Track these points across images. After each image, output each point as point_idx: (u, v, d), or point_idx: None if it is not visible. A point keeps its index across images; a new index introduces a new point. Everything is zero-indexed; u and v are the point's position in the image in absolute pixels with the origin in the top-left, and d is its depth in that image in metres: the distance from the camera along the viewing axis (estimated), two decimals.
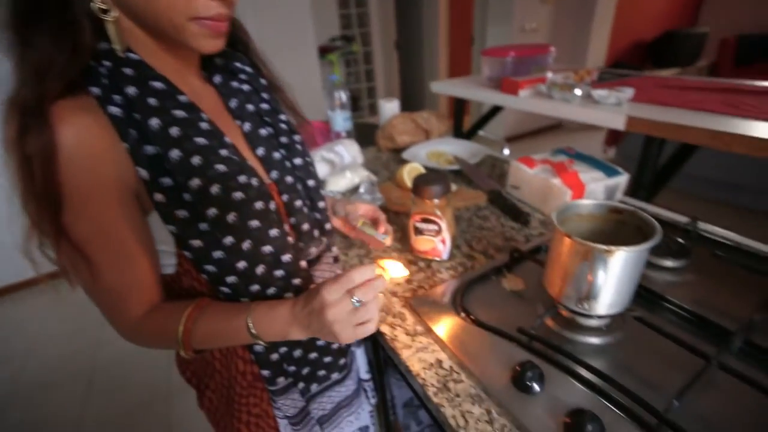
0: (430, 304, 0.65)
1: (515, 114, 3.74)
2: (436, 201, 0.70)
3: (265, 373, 0.55)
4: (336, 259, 0.63)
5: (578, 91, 1.06)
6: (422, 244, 0.75)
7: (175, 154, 0.41)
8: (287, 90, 0.60)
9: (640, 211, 0.54)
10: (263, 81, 0.57)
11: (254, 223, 0.45)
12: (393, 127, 1.31)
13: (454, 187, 1.03)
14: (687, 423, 0.42)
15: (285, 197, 0.51)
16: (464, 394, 0.51)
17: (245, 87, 0.54)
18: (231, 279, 0.47)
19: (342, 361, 0.62)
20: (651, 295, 0.61)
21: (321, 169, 1.14)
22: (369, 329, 0.43)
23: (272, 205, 0.47)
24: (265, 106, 0.54)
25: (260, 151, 0.50)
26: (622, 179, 0.88)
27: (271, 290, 0.49)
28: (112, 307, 0.47)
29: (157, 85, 0.42)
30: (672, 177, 1.04)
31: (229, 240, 0.44)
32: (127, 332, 0.49)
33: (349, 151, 1.14)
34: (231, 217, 0.44)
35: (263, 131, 0.52)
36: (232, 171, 0.44)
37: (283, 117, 0.56)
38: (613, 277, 0.49)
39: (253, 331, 0.45)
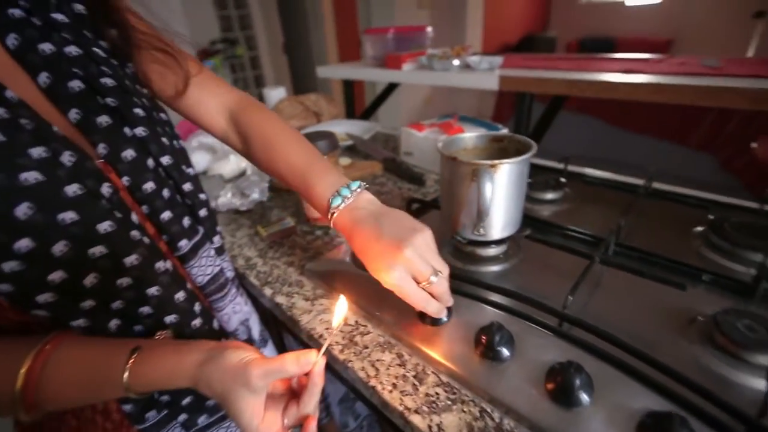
0: (329, 266, 0.59)
1: (410, 108, 3.90)
2: None
3: (128, 408, 0.40)
4: (222, 249, 0.50)
5: (456, 62, 1.11)
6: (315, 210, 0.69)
7: None
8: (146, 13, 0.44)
9: (516, 135, 0.55)
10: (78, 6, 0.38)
11: (68, 216, 0.31)
12: (280, 112, 1.23)
13: (348, 160, 0.99)
14: (584, 317, 0.43)
15: (127, 179, 0.37)
16: (372, 344, 0.47)
17: (36, 20, 0.35)
18: (44, 297, 0.32)
19: None
20: (538, 222, 0.64)
21: (201, 158, 1.01)
22: None
23: (105, 189, 0.34)
24: (72, 50, 0.36)
25: (74, 114, 0.35)
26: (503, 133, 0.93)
27: (117, 304, 0.36)
28: None
29: None
30: (543, 134, 1.15)
31: (25, 244, 0.30)
32: None
33: None
34: (23, 209, 0.29)
35: (74, 85, 0.35)
36: (20, 141, 0.30)
37: (107, 69, 0.38)
38: (500, 194, 0.49)
39: (127, 384, 0.34)
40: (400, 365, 0.44)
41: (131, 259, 0.35)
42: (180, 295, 0.40)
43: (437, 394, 0.40)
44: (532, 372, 0.39)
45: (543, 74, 0.94)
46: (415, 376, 0.42)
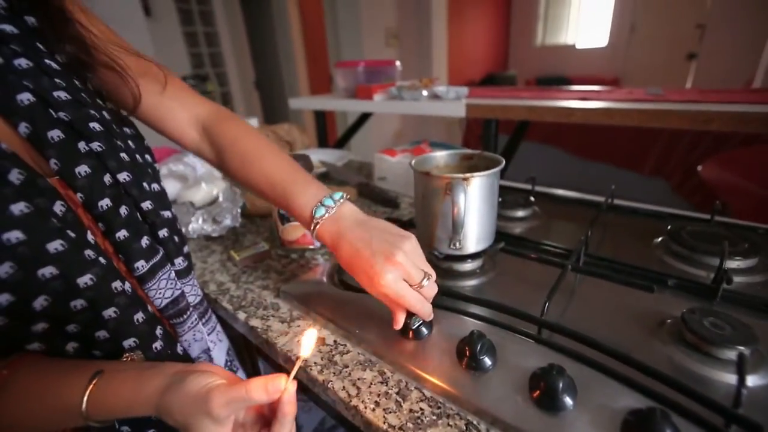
0: (306, 287, 0.58)
1: (380, 142, 4.00)
2: None
3: None
4: (186, 272, 0.47)
5: (425, 92, 1.16)
6: (291, 233, 0.69)
7: None
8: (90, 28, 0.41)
9: (485, 152, 0.58)
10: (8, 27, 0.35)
11: (13, 235, 0.29)
12: None
13: None
14: (561, 324, 0.44)
15: (81, 195, 0.36)
16: (353, 363, 0.45)
17: None
18: None
19: None
20: (511, 238, 0.66)
21: (170, 186, 0.99)
22: None
23: (57, 208, 0.33)
24: (22, 62, 0.34)
25: (23, 128, 0.33)
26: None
27: (72, 327, 0.34)
28: None
29: None
30: (510, 160, 1.21)
31: None
32: None
33: (203, 161, 1.02)
34: None
35: (23, 98, 0.34)
36: None
37: (61, 82, 0.37)
38: (474, 207, 0.50)
39: (86, 412, 0.32)
40: (382, 383, 0.42)
41: (85, 280, 0.33)
42: (139, 317, 0.38)
43: (421, 409, 0.39)
44: (515, 380, 0.38)
45: (506, 102, 0.99)
46: (398, 393, 0.41)
